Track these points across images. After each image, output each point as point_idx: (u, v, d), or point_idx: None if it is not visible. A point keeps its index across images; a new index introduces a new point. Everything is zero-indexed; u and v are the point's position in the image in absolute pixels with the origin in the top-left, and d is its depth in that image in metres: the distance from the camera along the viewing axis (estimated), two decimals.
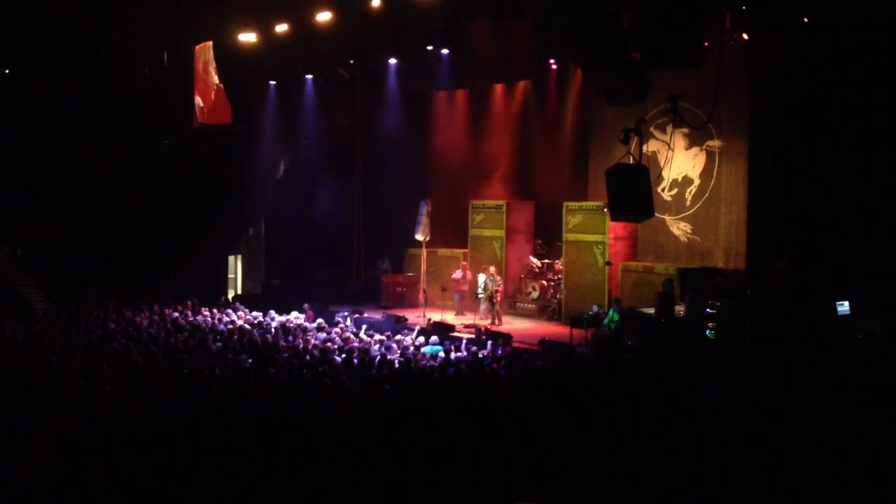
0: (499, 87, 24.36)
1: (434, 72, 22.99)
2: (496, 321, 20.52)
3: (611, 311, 18.13)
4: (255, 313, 20.53)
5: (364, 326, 18.90)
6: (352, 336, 17.47)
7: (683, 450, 9.06)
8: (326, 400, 11.50)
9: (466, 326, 19.83)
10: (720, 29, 17.04)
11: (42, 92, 25.27)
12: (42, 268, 24.72)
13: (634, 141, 13.69)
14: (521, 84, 23.86)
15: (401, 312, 21.57)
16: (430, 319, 20.44)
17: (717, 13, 16.35)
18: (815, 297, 15.39)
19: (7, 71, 26.26)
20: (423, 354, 15.55)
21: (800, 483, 8.27)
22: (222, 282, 27.89)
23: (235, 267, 29.08)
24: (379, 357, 14.68)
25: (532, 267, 22.53)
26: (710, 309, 16.20)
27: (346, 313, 20.48)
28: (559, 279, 21.53)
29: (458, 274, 22.29)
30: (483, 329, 18.77)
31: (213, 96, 23.45)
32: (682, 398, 11.26)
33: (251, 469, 8.42)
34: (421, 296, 22.31)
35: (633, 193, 13.26)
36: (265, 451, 8.97)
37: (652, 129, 20.15)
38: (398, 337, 17.51)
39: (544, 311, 21.66)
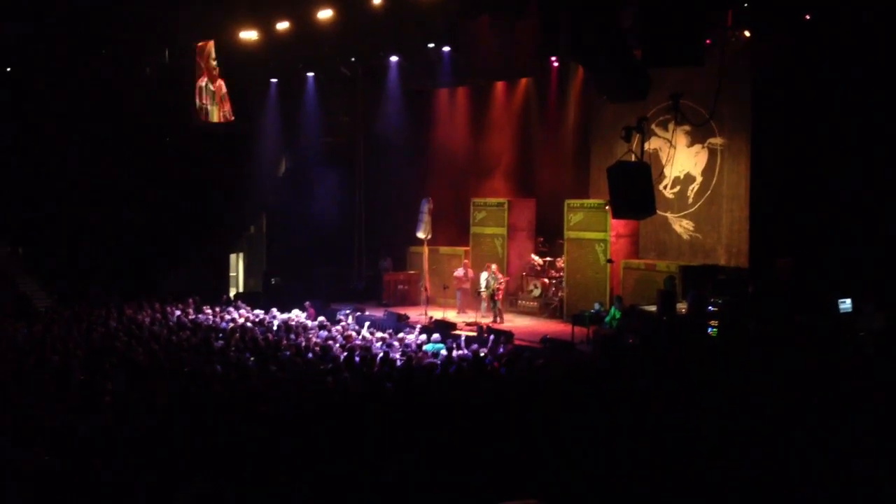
0: (500, 85, 24.34)
1: (435, 69, 22.99)
2: (498, 319, 20.51)
3: (612, 309, 18.11)
4: (256, 311, 20.53)
5: (367, 324, 18.90)
6: (354, 334, 17.48)
7: (685, 447, 9.06)
8: (328, 397, 11.50)
9: (468, 324, 19.83)
10: (722, 26, 17.03)
11: (43, 90, 25.27)
12: (44, 266, 24.75)
13: (636, 138, 13.64)
14: (523, 82, 23.84)
15: (402, 310, 21.55)
16: (431, 317, 20.44)
17: (719, 11, 16.34)
18: (817, 295, 15.37)
19: (8, 69, 26.24)
20: (425, 352, 15.55)
21: (800, 480, 8.27)
22: (224, 280, 27.89)
23: (237, 265, 29.09)
24: (381, 355, 14.69)
25: (534, 265, 22.51)
26: (712, 307, 16.20)
27: (347, 311, 20.49)
28: (561, 277, 21.53)
29: (459, 272, 22.28)
30: (485, 327, 18.76)
31: (216, 94, 23.48)
32: (684, 396, 11.25)
33: (251, 467, 8.44)
34: (423, 294, 22.31)
35: (635, 191, 13.23)
36: (266, 450, 8.98)
37: (654, 126, 20.11)
38: (400, 335, 17.51)
39: (546, 308, 21.65)
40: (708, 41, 16.15)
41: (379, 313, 21.29)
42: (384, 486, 7.89)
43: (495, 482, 7.84)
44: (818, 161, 17.06)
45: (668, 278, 17.82)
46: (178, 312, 20.04)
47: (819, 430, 9.52)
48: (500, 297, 20.78)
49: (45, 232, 25.08)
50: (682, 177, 20.32)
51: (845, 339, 14.31)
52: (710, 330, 15.67)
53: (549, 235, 22.83)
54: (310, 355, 14.81)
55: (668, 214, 20.44)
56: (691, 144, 20.12)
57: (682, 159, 20.15)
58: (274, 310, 20.40)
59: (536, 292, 22.00)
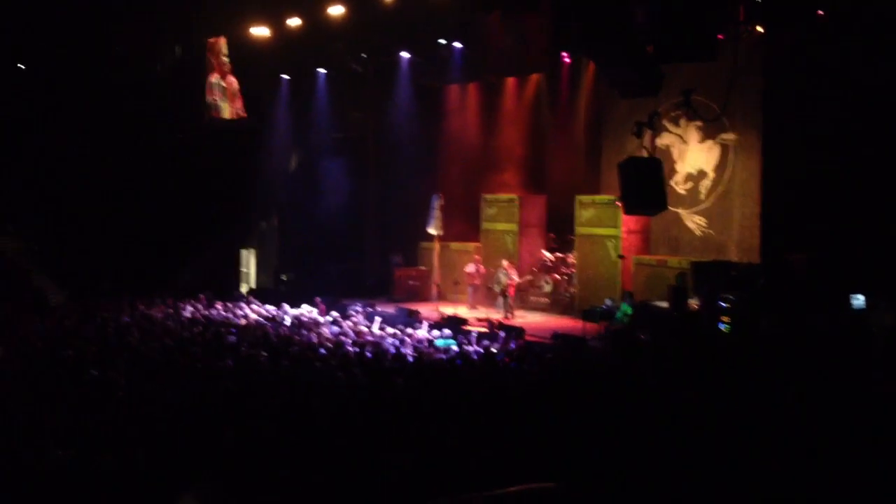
0: (511, 81, 24.28)
1: (446, 66, 22.98)
2: (509, 315, 20.52)
3: (623, 305, 18.10)
4: (268, 307, 20.58)
5: (378, 320, 18.93)
6: (365, 329, 17.51)
7: (696, 443, 9.05)
8: (339, 392, 11.52)
9: (479, 320, 19.83)
10: (734, 21, 16.96)
11: (55, 88, 25.35)
12: (57, 262, 24.86)
13: (647, 134, 13.63)
14: (534, 78, 23.78)
15: (413, 306, 21.59)
16: (442, 313, 20.46)
17: (732, 6, 16.28)
18: (829, 291, 15.32)
19: (22, 67, 26.34)
20: (436, 347, 15.57)
21: (810, 477, 8.25)
22: (235, 276, 27.97)
23: (248, 261, 29.17)
24: (393, 350, 14.71)
25: (545, 261, 22.50)
26: (724, 303, 16.15)
27: (358, 307, 20.52)
28: (572, 273, 21.51)
29: (470, 268, 22.30)
30: (496, 323, 18.77)
31: (227, 90, 23.53)
32: (696, 391, 11.24)
33: (260, 463, 8.46)
34: (434, 290, 22.33)
35: (647, 187, 13.21)
36: (276, 445, 9.00)
37: (665, 122, 20.06)
38: (409, 331, 17.53)
39: (557, 304, 21.64)
40: (720, 36, 16.10)
41: (390, 309, 21.32)
42: (393, 478, 7.91)
43: (503, 474, 7.84)
44: (830, 156, 16.97)
45: (679, 274, 17.79)
46: (190, 308, 20.10)
47: (831, 425, 9.49)
48: (512, 293, 20.78)
49: (58, 227, 25.19)
50: (694, 173, 20.26)
51: (857, 335, 14.25)
52: (722, 326, 15.63)
53: (560, 231, 22.80)
54: (322, 351, 14.84)
55: (680, 210, 20.38)
56: (703, 140, 20.06)
57: (693, 155, 20.10)
58: (285, 305, 20.45)
59: (548, 288, 21.99)
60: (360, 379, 12.28)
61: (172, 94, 25.80)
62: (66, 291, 23.54)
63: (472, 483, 7.30)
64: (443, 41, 21.91)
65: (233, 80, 23.85)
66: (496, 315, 20.21)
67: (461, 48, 22.17)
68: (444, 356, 14.67)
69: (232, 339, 15.85)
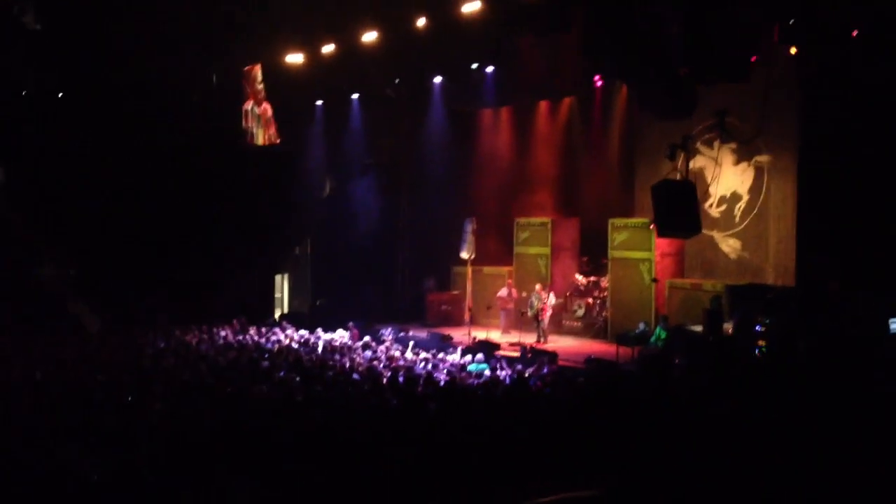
0: (543, 104, 24.32)
1: (479, 90, 23.05)
2: (542, 339, 20.42)
3: (658, 329, 17.94)
4: (301, 332, 20.64)
5: (411, 344, 18.90)
6: (397, 354, 17.50)
7: (728, 460, 8.97)
8: (372, 417, 11.51)
9: (512, 345, 19.75)
10: (768, 42, 16.86)
11: (93, 114, 25.71)
12: (94, 288, 25.12)
13: (681, 157, 13.58)
14: (566, 101, 23.80)
15: (446, 331, 21.55)
16: (475, 337, 20.40)
17: (765, 27, 16.17)
18: (867, 315, 15.09)
19: (60, 95, 26.75)
20: (469, 373, 15.51)
21: (846, 499, 8.15)
22: (269, 301, 28.11)
23: (282, 286, 29.31)
24: (424, 375, 14.68)
25: (578, 284, 22.40)
26: (760, 326, 15.96)
27: (389, 330, 20.48)
28: (605, 297, 21.39)
29: (503, 292, 22.25)
30: (528, 347, 18.69)
31: (261, 117, 23.78)
32: (730, 416, 11.11)
33: (294, 485, 8.47)
34: (466, 314, 22.28)
35: (680, 210, 13.16)
36: (310, 468, 9.00)
37: (699, 144, 19.97)
38: (440, 355, 17.49)
39: (590, 328, 21.51)
40: (753, 58, 16.01)
41: (422, 334, 21.29)
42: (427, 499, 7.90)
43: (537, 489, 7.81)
44: (866, 179, 16.77)
45: (713, 298, 17.62)
46: (224, 333, 20.21)
47: (865, 451, 9.35)
48: (545, 317, 20.69)
49: (95, 254, 25.45)
50: (728, 195, 20.11)
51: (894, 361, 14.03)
52: (757, 350, 15.45)
53: (593, 255, 22.70)
54: (355, 376, 14.85)
55: (715, 233, 20.22)
56: (738, 162, 19.91)
57: (728, 177, 19.94)
58: (319, 330, 20.49)
59: (581, 312, 21.87)
60: (392, 404, 12.26)
61: (208, 121, 26.07)
62: (103, 318, 23.75)
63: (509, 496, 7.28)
64: (475, 65, 21.99)
65: (267, 107, 24.07)
66: (529, 339, 20.11)
67: (493, 72, 22.24)
68: (476, 381, 14.62)
69: (266, 364, 15.92)
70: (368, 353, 17.63)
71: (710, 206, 20.18)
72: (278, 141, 24.36)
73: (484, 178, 25.11)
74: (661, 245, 20.20)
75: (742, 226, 19.88)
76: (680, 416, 10.82)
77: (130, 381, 14.07)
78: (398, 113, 25.72)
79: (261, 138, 24.56)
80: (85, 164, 25.70)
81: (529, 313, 20.80)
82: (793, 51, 17.69)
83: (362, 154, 26.42)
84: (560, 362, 17.16)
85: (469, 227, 22.04)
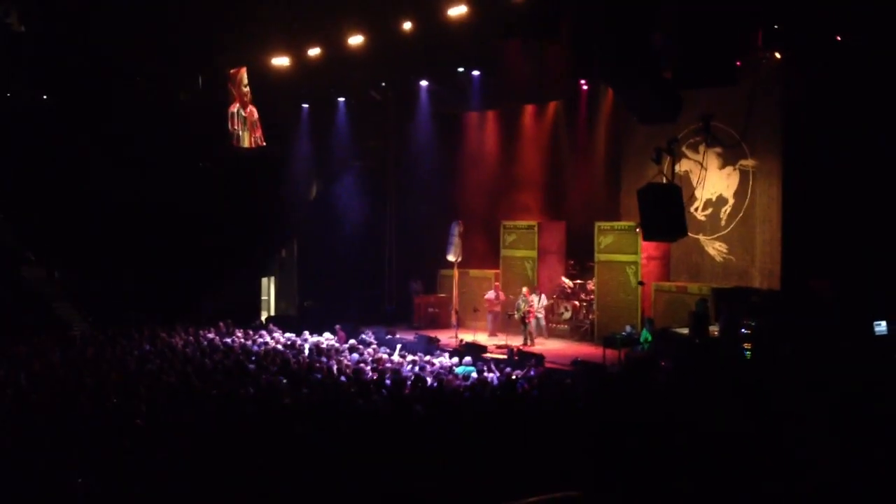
0: (530, 108, 24.39)
1: (465, 93, 23.10)
2: (528, 342, 20.46)
3: (644, 332, 18.01)
4: (288, 335, 20.60)
5: (398, 347, 18.90)
6: (385, 357, 17.49)
7: (713, 460, 9.02)
8: (358, 419, 11.51)
9: (499, 347, 19.79)
10: (753, 48, 16.97)
11: (78, 117, 25.62)
12: (79, 290, 25.01)
13: (666, 160, 13.64)
14: (552, 105, 23.87)
15: (433, 333, 21.56)
16: (462, 340, 20.42)
17: (750, 32, 16.29)
18: (852, 317, 15.20)
19: (45, 97, 26.65)
20: (456, 375, 15.53)
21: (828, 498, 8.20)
22: (256, 303, 28.05)
23: (268, 288, 29.25)
24: (412, 377, 14.68)
25: (564, 287, 22.45)
26: (745, 329, 16.05)
27: (370, 333, 20.39)
28: (591, 300, 21.45)
29: (490, 294, 22.29)
30: (515, 350, 18.72)
31: (247, 120, 23.72)
32: (718, 418, 11.16)
33: (282, 488, 8.46)
34: (453, 317, 22.30)
35: (666, 213, 13.21)
36: (297, 470, 9.00)
37: (684, 148, 20.06)
38: (427, 357, 17.51)
39: (577, 331, 21.57)
40: (739, 62, 16.11)
41: (409, 336, 21.29)
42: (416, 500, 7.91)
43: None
44: (850, 182, 16.91)
45: (699, 301, 17.70)
46: (210, 336, 20.14)
47: (853, 452, 9.40)
48: (531, 319, 20.74)
49: (80, 256, 25.33)
50: (714, 199, 20.20)
51: (880, 362, 14.12)
52: (744, 352, 15.52)
53: (579, 258, 22.77)
54: (342, 378, 14.84)
55: (701, 236, 20.31)
56: (723, 166, 20.00)
57: (713, 181, 20.03)
58: (306, 333, 20.46)
59: (567, 315, 21.93)
60: (380, 406, 12.26)
61: (194, 124, 26.01)
62: (89, 320, 23.65)
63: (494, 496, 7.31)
64: (462, 69, 22.02)
65: (253, 110, 24.01)
66: (516, 342, 20.14)
67: (480, 76, 22.29)
68: (464, 383, 14.64)
69: (252, 366, 15.88)
70: (355, 356, 17.60)
71: (696, 209, 20.27)
72: (264, 144, 24.33)
73: (470, 182, 25.16)
74: (648, 248, 20.28)
75: (728, 229, 19.97)
76: (666, 418, 10.86)
77: (116, 383, 14.01)
78: (384, 116, 25.74)
79: (247, 141, 24.48)
80: (69, 166, 25.60)
81: (516, 316, 20.85)
82: (777, 55, 17.85)
83: (349, 157, 26.42)
84: (547, 364, 17.21)
85: (456, 230, 22.08)
